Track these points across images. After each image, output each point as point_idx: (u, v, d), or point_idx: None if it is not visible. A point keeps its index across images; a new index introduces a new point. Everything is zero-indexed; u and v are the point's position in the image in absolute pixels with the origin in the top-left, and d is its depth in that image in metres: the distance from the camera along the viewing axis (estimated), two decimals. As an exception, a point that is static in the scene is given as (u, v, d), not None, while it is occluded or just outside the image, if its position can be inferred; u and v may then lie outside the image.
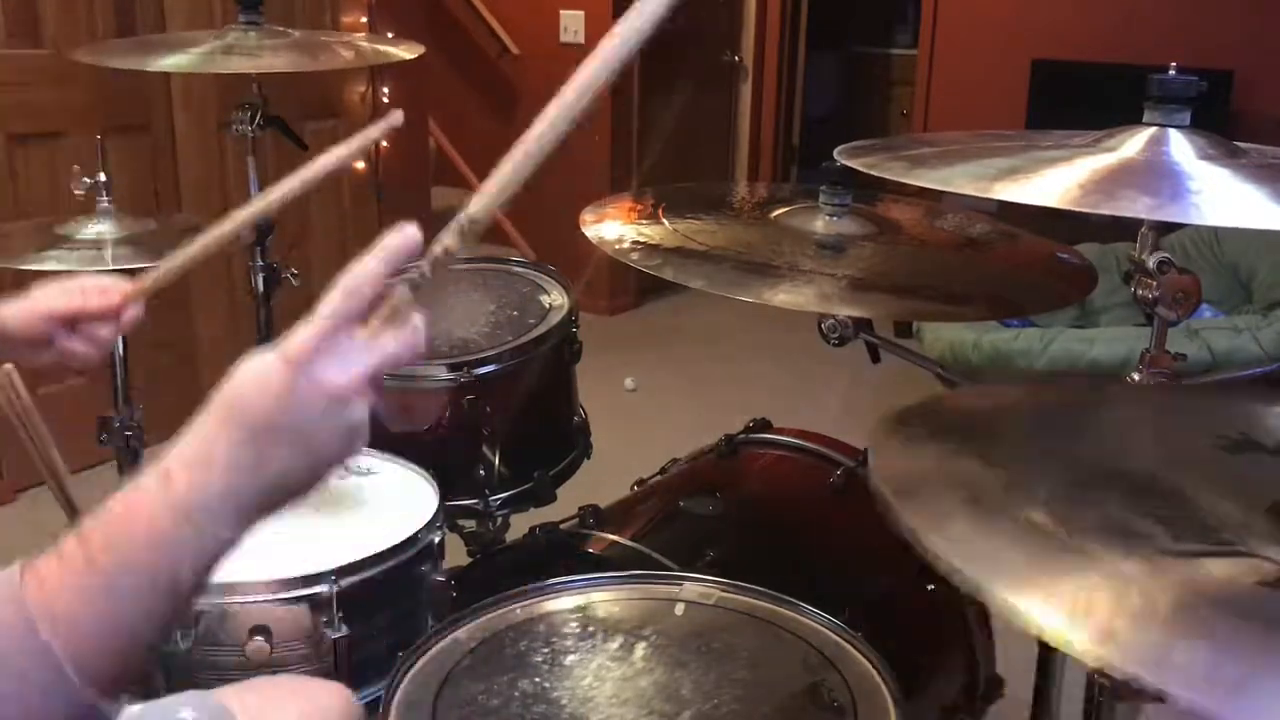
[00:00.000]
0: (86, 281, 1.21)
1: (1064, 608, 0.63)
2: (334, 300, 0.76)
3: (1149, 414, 1.00)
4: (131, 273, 1.81)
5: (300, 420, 0.71)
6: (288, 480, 0.72)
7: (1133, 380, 1.12)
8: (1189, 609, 0.63)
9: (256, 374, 0.72)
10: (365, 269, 0.80)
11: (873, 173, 1.07)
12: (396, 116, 1.05)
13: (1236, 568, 0.69)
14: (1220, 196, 0.94)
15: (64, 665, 0.65)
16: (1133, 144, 1.02)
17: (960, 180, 0.98)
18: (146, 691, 1.08)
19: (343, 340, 0.74)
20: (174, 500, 0.69)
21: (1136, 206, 0.91)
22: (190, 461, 0.70)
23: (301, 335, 0.73)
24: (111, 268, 1.78)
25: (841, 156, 1.15)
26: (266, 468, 0.70)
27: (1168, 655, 0.59)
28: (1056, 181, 0.96)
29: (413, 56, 2.08)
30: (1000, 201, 0.96)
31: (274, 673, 1.26)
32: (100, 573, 0.67)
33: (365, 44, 2.22)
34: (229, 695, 1.09)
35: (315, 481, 0.73)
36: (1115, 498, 0.77)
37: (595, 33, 4.95)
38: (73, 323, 1.19)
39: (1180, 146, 1.01)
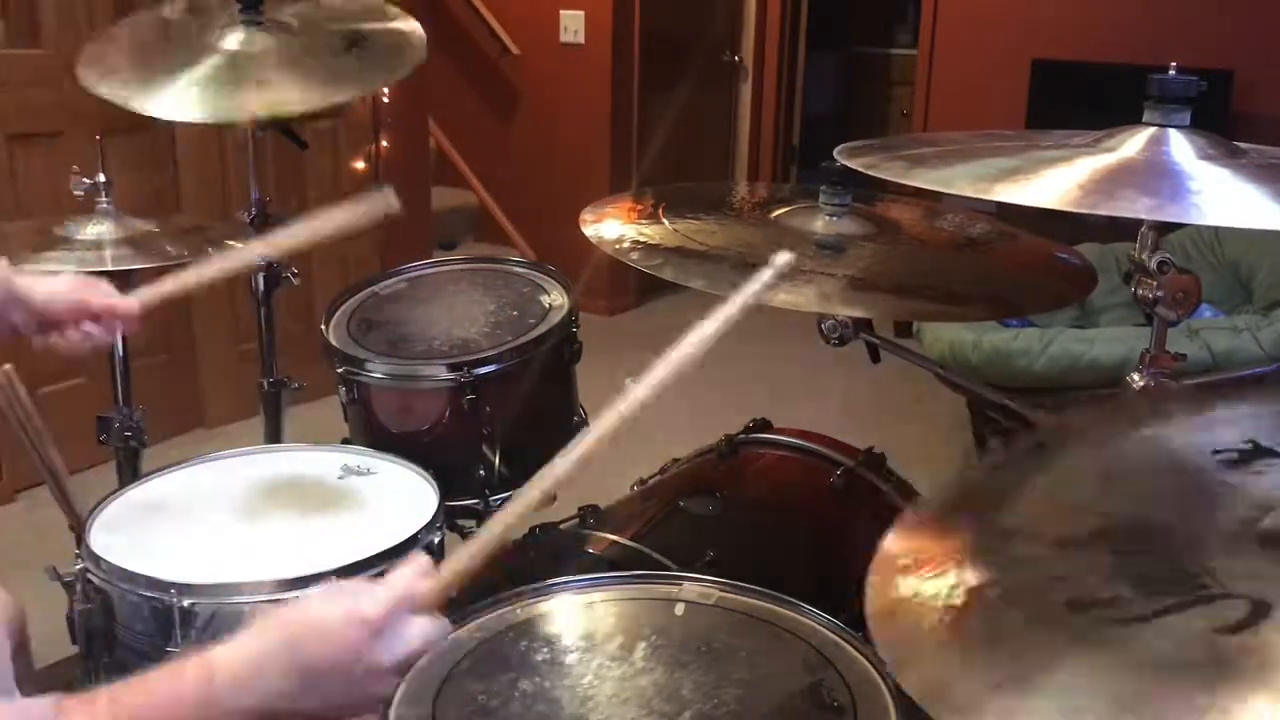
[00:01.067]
0: (102, 282, 1.27)
1: None
2: (409, 576, 0.83)
3: (1149, 442, 0.99)
4: (130, 273, 1.82)
5: (349, 682, 0.79)
6: (311, 716, 0.80)
7: (1136, 383, 1.12)
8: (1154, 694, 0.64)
9: (335, 625, 0.79)
10: (425, 561, 0.86)
11: (872, 173, 1.06)
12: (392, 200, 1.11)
13: (1202, 616, 0.70)
14: (1220, 196, 0.94)
15: None
16: (1133, 144, 1.02)
17: (960, 181, 0.98)
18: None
19: (405, 617, 0.81)
20: (207, 703, 0.77)
21: (1136, 206, 0.91)
22: (237, 675, 0.78)
23: (381, 603, 0.80)
24: (111, 268, 1.78)
25: (841, 157, 1.15)
26: (301, 704, 0.78)
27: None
28: (1056, 182, 0.96)
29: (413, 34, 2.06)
30: (1000, 202, 0.96)
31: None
32: None
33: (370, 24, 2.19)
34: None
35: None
36: (1099, 563, 0.77)
37: (595, 32, 4.96)
38: (85, 315, 1.25)
39: (1180, 146, 1.01)
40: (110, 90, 1.84)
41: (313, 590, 0.87)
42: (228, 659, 0.79)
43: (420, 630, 0.81)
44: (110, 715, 0.76)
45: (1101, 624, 0.71)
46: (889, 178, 1.04)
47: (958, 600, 0.77)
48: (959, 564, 0.81)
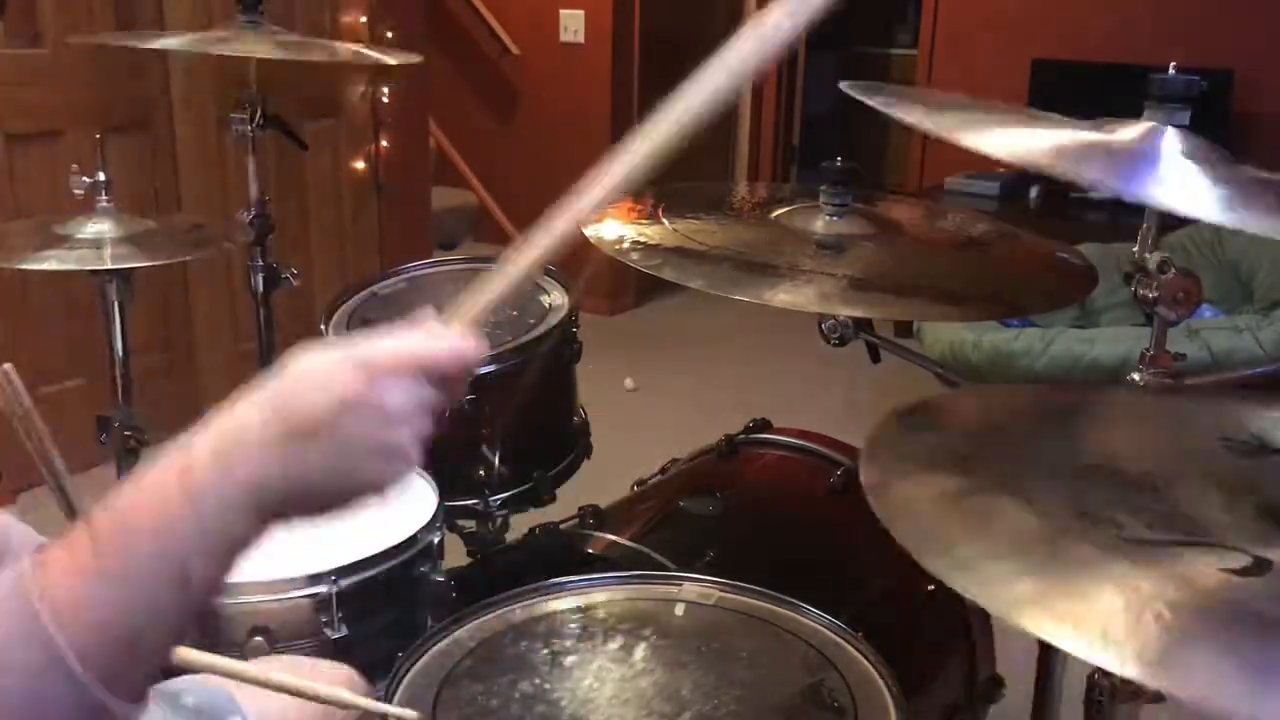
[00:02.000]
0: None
1: (1067, 619, 0.63)
2: (420, 336, 0.70)
3: (1154, 418, 1.00)
4: (129, 272, 1.82)
5: (349, 431, 0.66)
6: (313, 489, 0.68)
7: (1137, 380, 1.12)
8: (1177, 606, 0.64)
9: (320, 369, 0.67)
10: (452, 337, 0.72)
11: (869, 102, 1.06)
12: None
13: (1209, 557, 0.70)
14: (1183, 183, 0.92)
15: (66, 656, 0.62)
16: (1128, 131, 1.01)
17: (958, 127, 0.97)
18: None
19: (413, 374, 0.69)
20: (190, 486, 0.65)
21: (1095, 171, 0.90)
22: (218, 447, 0.66)
23: (382, 346, 0.68)
24: (111, 267, 1.78)
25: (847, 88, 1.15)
26: (297, 469, 0.66)
27: (1169, 656, 0.60)
28: (1043, 140, 0.95)
29: (413, 61, 2.07)
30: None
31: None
32: (104, 557, 0.64)
33: (364, 51, 2.22)
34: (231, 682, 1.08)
35: (342, 500, 0.69)
36: (1102, 493, 0.78)
37: (595, 32, 4.95)
38: None
39: (1172, 142, 1.00)
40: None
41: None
42: (205, 437, 0.66)
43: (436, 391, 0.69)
44: (89, 537, 0.64)
45: (1109, 536, 0.71)
46: (880, 108, 1.03)
47: (964, 476, 0.77)
48: (963, 458, 0.82)
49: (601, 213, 0.78)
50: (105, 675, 0.63)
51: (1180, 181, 0.91)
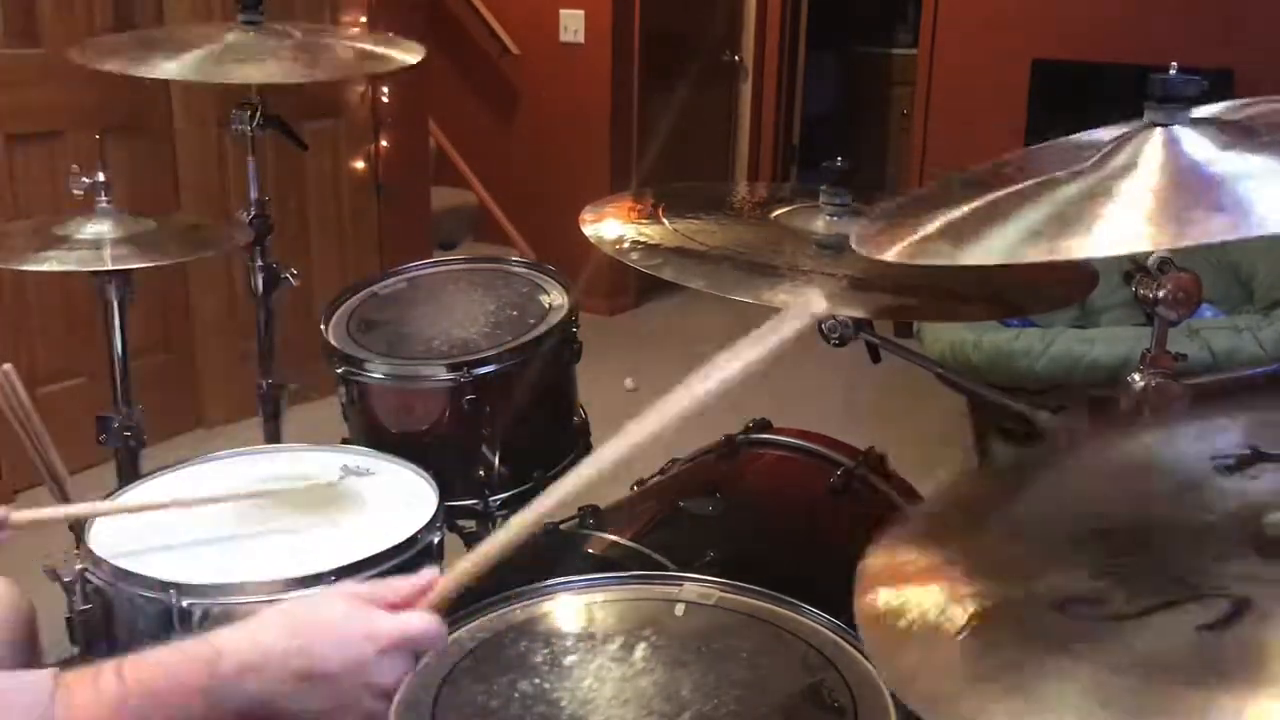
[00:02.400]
0: None
1: None
2: (426, 615, 0.87)
3: (1142, 453, 0.99)
4: (129, 273, 1.82)
5: (347, 687, 0.82)
6: (301, 716, 0.82)
7: (1136, 383, 1.12)
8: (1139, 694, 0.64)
9: (349, 635, 0.83)
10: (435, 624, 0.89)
11: (919, 263, 1.03)
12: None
13: (1187, 614, 0.70)
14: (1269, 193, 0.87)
15: None
16: (1149, 154, 0.98)
17: (1001, 252, 0.94)
18: None
19: (405, 653, 0.85)
20: (211, 682, 0.79)
21: (1209, 230, 0.83)
22: (245, 661, 0.81)
23: (396, 628, 0.84)
24: (110, 268, 1.78)
25: (860, 248, 1.12)
26: (296, 702, 0.81)
27: None
28: (1100, 232, 0.90)
29: (414, 60, 2.07)
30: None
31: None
32: (123, 711, 0.77)
33: (365, 46, 2.22)
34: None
35: None
36: (1086, 561, 0.77)
37: (595, 32, 4.95)
38: None
39: (1194, 143, 0.97)
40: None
41: (322, 590, 0.91)
42: (236, 644, 0.82)
43: (417, 662, 0.87)
44: (115, 691, 0.77)
45: (1089, 624, 0.71)
46: (928, 262, 1.00)
47: (950, 610, 0.77)
48: (949, 573, 0.82)
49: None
50: None
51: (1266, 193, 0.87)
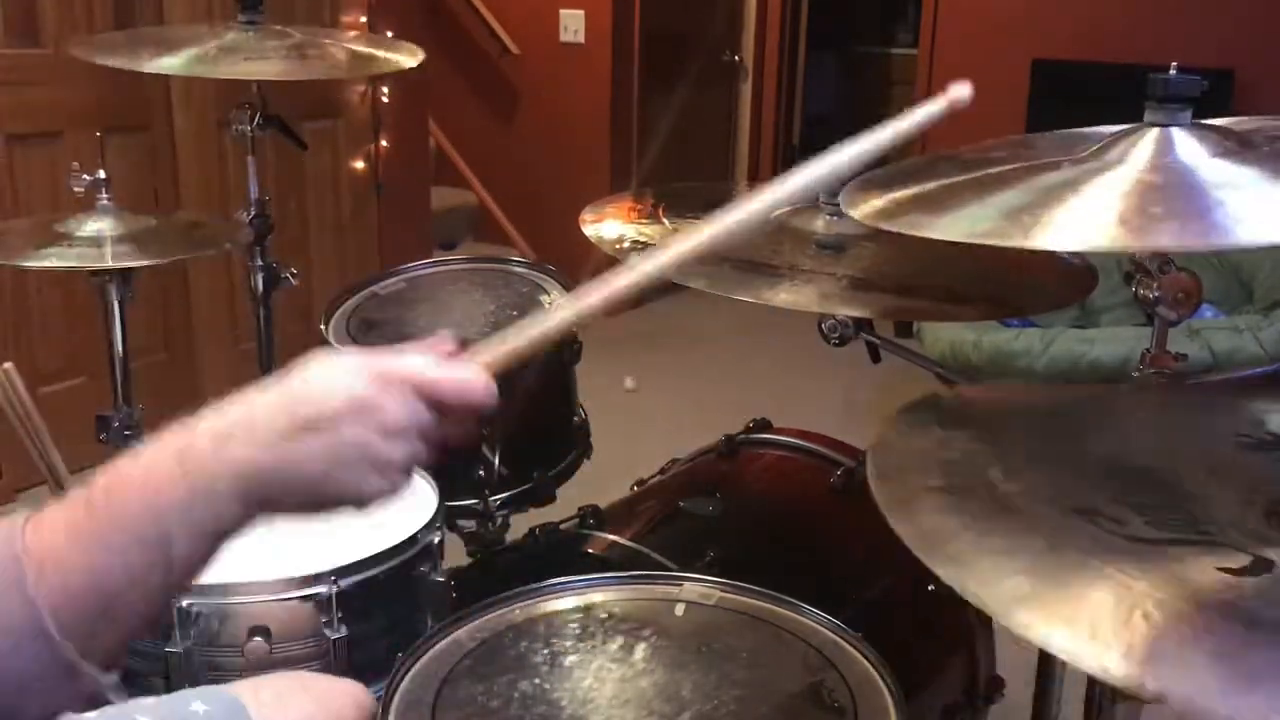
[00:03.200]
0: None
1: (1057, 618, 0.64)
2: (433, 361, 0.74)
3: (1168, 414, 0.99)
4: (130, 270, 1.82)
5: (348, 433, 0.69)
6: (302, 483, 0.69)
7: (1150, 379, 1.12)
8: (1168, 605, 0.64)
9: (333, 371, 0.70)
10: (465, 372, 0.75)
11: (882, 227, 1.02)
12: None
13: (1209, 556, 0.70)
14: (1247, 207, 0.86)
15: (41, 612, 0.63)
16: (1139, 152, 0.98)
17: (968, 228, 0.93)
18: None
19: (418, 394, 0.72)
20: (185, 462, 0.67)
21: (1158, 239, 0.85)
22: (220, 429, 0.69)
23: (394, 361, 0.71)
24: (111, 265, 1.78)
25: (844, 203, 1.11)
26: (291, 461, 0.68)
27: (1152, 656, 0.60)
28: (1069, 220, 0.90)
29: (413, 63, 2.07)
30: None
31: (272, 673, 1.26)
32: (93, 520, 0.65)
33: (365, 48, 2.22)
34: (243, 689, 1.08)
35: (326, 500, 0.71)
36: (1104, 490, 0.78)
37: (595, 32, 4.94)
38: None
39: (1188, 147, 0.97)
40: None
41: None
42: (209, 419, 0.69)
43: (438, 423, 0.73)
44: (83, 499, 0.66)
45: (1108, 535, 0.71)
46: (890, 228, 1.00)
47: (965, 472, 0.77)
48: (971, 446, 0.82)
49: (646, 287, 0.79)
50: (77, 635, 0.64)
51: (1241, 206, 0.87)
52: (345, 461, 0.69)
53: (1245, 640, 0.62)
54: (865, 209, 1.01)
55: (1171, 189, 0.91)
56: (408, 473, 0.73)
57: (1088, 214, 0.87)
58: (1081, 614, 0.64)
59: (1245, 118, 1.11)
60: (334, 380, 0.70)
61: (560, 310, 0.77)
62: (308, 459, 0.68)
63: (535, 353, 0.76)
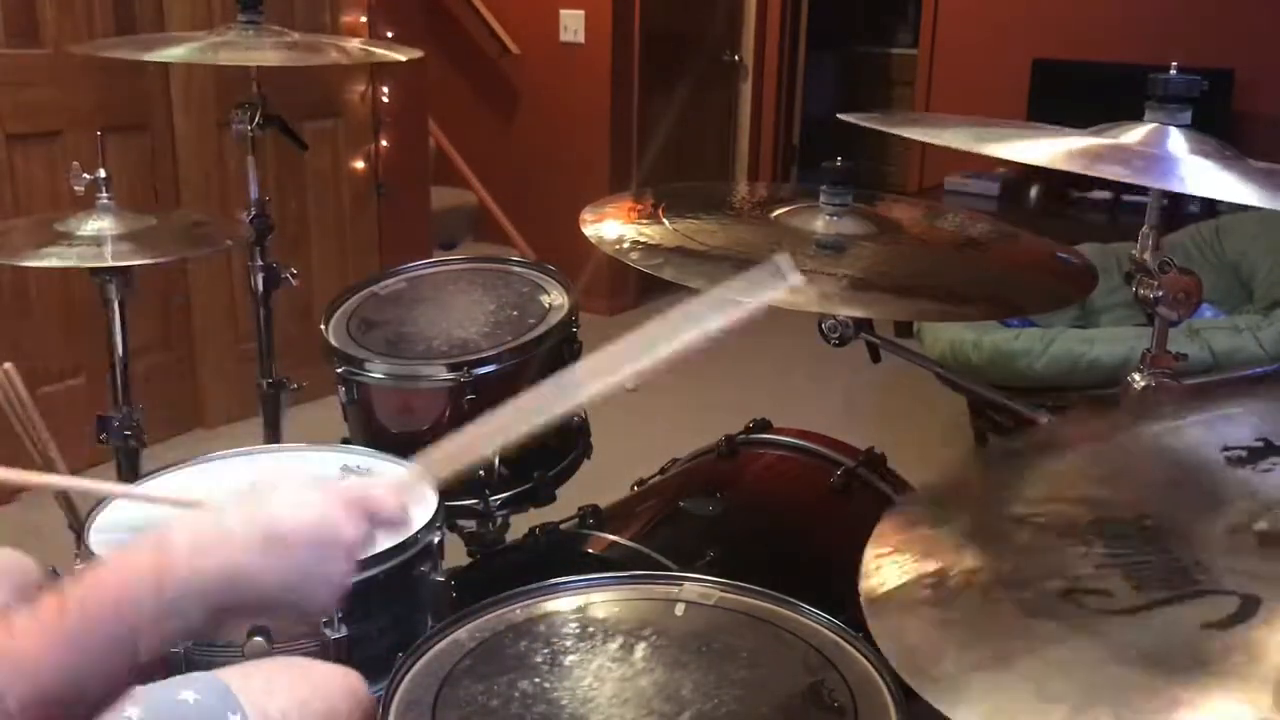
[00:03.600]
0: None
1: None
2: (381, 488, 0.85)
3: (1153, 440, 0.99)
4: (130, 269, 1.82)
5: (314, 552, 0.77)
6: (267, 595, 0.77)
7: (1134, 381, 1.12)
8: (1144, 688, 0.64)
9: (301, 493, 0.79)
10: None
11: (878, 128, 1.06)
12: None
13: (1194, 610, 0.70)
14: (1205, 173, 0.94)
15: (13, 712, 0.68)
16: (1131, 134, 1.03)
17: (958, 138, 0.98)
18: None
19: (369, 518, 0.82)
20: (161, 573, 0.73)
21: (1119, 170, 0.92)
22: (197, 542, 0.75)
23: (352, 488, 0.81)
24: (111, 264, 1.78)
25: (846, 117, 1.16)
26: (260, 574, 0.76)
27: None
28: (1050, 146, 0.97)
29: (409, 58, 2.08)
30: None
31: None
32: (66, 623, 0.71)
33: (364, 48, 2.22)
34: (233, 675, 1.09)
35: (285, 606, 0.81)
36: (1093, 553, 0.77)
37: (595, 32, 4.94)
38: None
39: (1178, 141, 1.01)
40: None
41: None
42: (183, 531, 0.75)
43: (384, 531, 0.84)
44: (58, 612, 0.71)
45: (1092, 614, 0.71)
46: (892, 130, 1.05)
47: (951, 583, 0.77)
48: (955, 548, 0.82)
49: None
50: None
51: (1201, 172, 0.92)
52: (307, 577, 0.77)
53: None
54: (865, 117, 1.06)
55: (1135, 153, 0.96)
56: (347, 584, 0.81)
57: (1051, 146, 0.95)
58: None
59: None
60: (303, 502, 0.78)
61: (498, 432, 0.92)
62: (274, 573, 0.76)
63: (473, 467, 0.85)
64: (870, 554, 0.83)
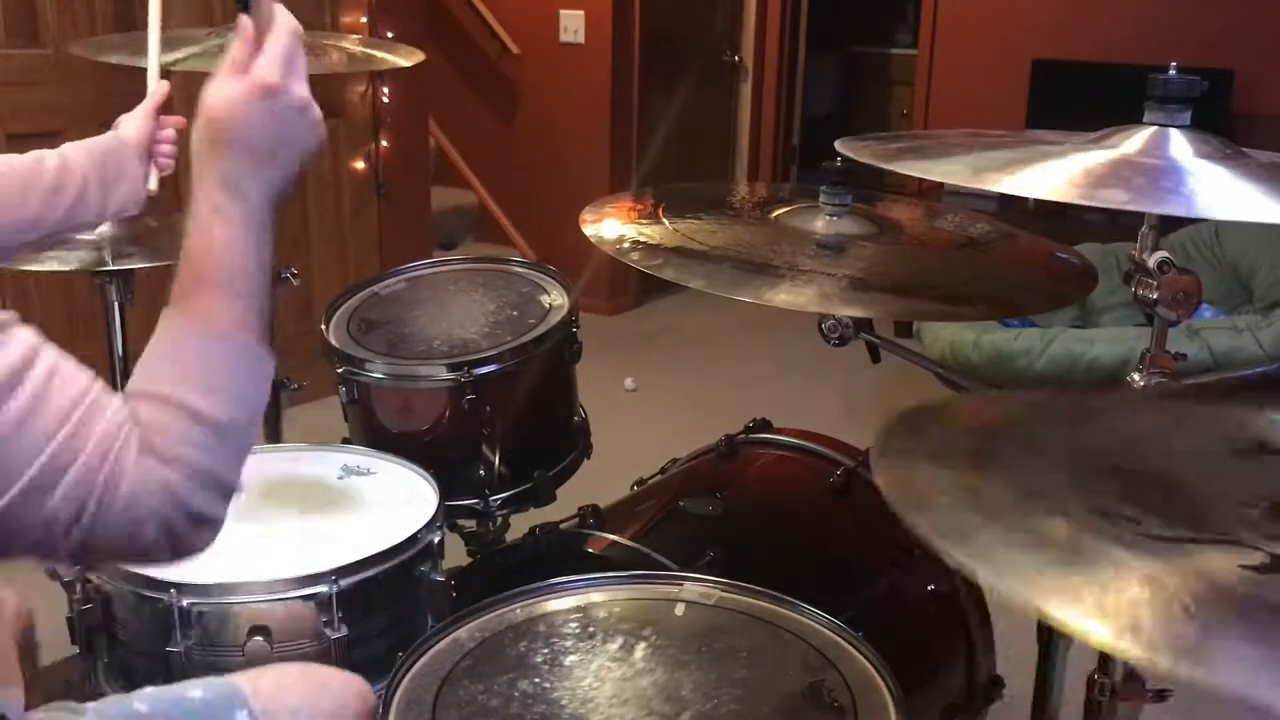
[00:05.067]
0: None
1: (1096, 611, 0.63)
2: (283, 30, 0.88)
3: (1157, 421, 0.99)
4: (130, 273, 1.82)
5: (284, 128, 0.88)
6: (291, 168, 0.89)
7: (1137, 380, 1.12)
8: (1202, 599, 0.63)
9: (241, 103, 0.86)
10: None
11: (874, 164, 1.06)
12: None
13: (1227, 554, 0.70)
14: (1216, 191, 0.93)
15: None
16: (1132, 142, 1.03)
17: (959, 171, 0.98)
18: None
19: (295, 57, 0.88)
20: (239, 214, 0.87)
21: (1123, 198, 0.93)
22: (236, 185, 0.87)
23: (270, 64, 0.86)
24: (112, 267, 1.78)
25: (842, 148, 1.15)
26: (268, 163, 0.87)
27: (1200, 647, 0.60)
28: (1051, 175, 0.96)
29: (411, 63, 2.07)
30: (1000, 200, 0.96)
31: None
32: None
33: (363, 50, 2.21)
34: (243, 678, 1.09)
35: (305, 162, 0.91)
36: (1114, 490, 0.77)
37: (595, 32, 4.94)
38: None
39: (1180, 145, 1.01)
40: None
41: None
42: (218, 180, 0.86)
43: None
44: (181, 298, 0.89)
45: (1129, 534, 0.71)
46: (888, 167, 1.04)
47: (977, 472, 0.77)
48: (972, 457, 0.82)
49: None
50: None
51: (1211, 189, 0.92)
52: (297, 141, 0.89)
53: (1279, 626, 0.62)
54: (864, 150, 1.06)
55: (1139, 166, 0.96)
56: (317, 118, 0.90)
57: (1056, 172, 0.94)
58: (1119, 608, 0.63)
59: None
60: (245, 107, 0.87)
61: None
62: (267, 149, 0.88)
63: None
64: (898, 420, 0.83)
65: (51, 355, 0.76)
